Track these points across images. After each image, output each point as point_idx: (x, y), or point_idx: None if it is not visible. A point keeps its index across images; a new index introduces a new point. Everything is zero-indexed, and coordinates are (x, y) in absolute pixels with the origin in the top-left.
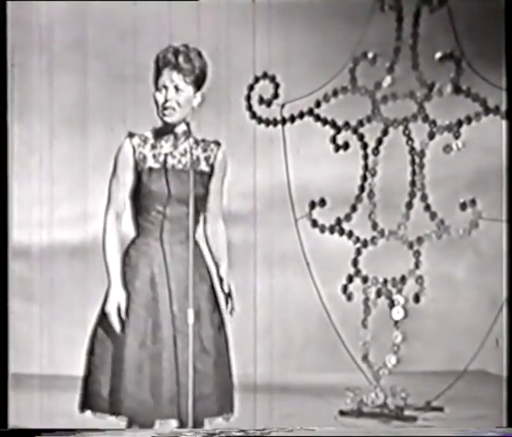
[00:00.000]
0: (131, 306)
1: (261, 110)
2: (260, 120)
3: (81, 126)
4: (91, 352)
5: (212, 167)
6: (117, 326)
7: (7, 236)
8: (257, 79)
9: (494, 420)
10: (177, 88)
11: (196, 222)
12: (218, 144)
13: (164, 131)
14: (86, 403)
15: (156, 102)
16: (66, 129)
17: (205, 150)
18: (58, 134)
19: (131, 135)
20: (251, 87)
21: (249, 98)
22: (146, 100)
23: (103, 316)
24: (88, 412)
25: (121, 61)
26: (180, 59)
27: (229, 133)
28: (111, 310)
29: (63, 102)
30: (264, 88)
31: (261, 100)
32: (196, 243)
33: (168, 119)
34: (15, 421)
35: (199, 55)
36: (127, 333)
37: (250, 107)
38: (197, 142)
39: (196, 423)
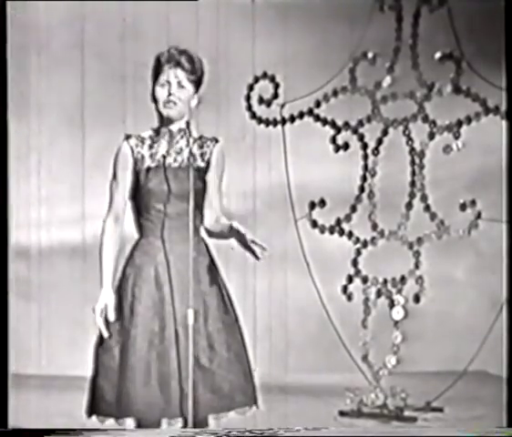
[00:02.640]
0: (137, 307)
1: (260, 110)
2: (259, 120)
3: (80, 125)
4: (97, 356)
5: (208, 162)
6: (102, 327)
7: (7, 236)
8: (257, 79)
9: (494, 420)
10: (180, 85)
11: (201, 220)
12: (216, 141)
13: (160, 130)
14: (93, 408)
15: (155, 98)
16: (66, 129)
17: (201, 147)
18: (57, 134)
19: (128, 136)
20: (251, 87)
21: (248, 98)
22: (145, 100)
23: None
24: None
25: (120, 61)
26: (183, 59)
27: (228, 133)
28: (97, 311)
29: (62, 102)
30: (264, 88)
31: (261, 100)
32: (202, 240)
33: (169, 112)
34: (15, 421)
35: (198, 58)
36: (133, 335)
37: (249, 107)
38: (194, 140)
39: (200, 420)
